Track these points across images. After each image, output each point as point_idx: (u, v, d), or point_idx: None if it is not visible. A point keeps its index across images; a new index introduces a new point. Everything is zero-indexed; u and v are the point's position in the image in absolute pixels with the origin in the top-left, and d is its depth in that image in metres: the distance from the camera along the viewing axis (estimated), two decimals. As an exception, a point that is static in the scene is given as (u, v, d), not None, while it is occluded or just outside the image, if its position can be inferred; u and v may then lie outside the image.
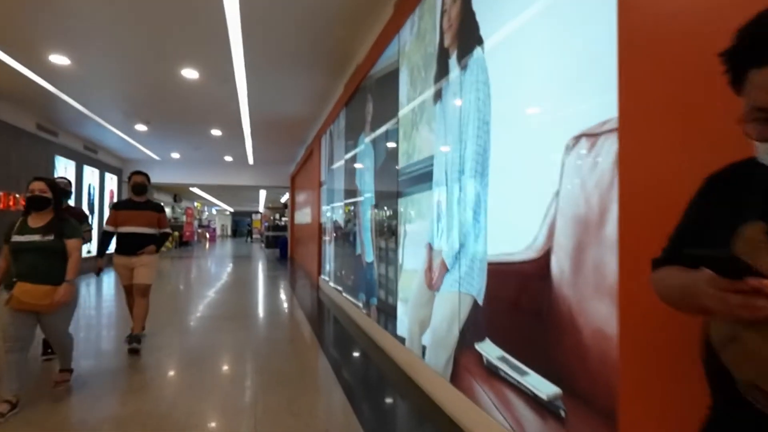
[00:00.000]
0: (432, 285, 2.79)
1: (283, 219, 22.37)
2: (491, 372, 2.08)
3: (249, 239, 32.44)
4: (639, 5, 1.31)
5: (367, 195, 4.63)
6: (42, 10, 3.95)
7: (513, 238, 1.94)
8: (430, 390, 2.79)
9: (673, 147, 1.20)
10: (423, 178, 2.99)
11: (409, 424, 2.66)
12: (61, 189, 3.56)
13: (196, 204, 28.18)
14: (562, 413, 1.61)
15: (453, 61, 2.57)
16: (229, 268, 12.19)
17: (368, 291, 4.51)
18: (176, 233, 20.02)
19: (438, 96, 2.77)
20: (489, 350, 2.11)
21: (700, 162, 1.13)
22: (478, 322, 2.24)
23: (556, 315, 1.65)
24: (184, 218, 23.34)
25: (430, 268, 2.84)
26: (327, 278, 7.32)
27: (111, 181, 11.72)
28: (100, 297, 6.86)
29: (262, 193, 22.11)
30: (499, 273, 2.05)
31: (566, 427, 1.59)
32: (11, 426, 2.35)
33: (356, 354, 3.95)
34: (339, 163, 6.33)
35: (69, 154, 9.17)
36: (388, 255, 3.81)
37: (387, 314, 3.81)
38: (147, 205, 3.88)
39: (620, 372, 1.34)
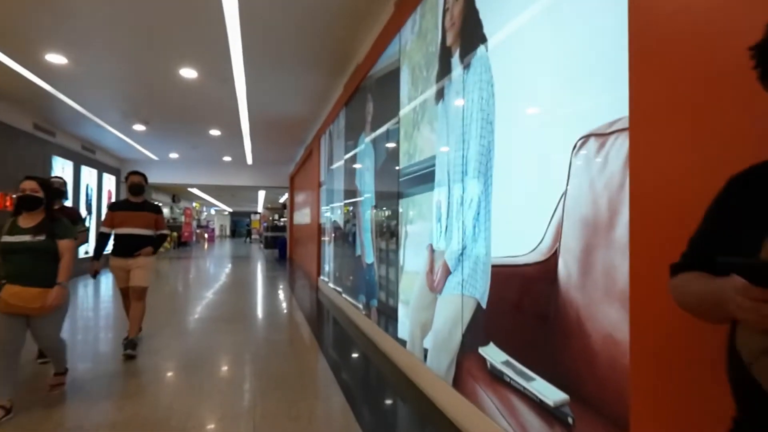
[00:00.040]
0: (434, 287, 2.75)
1: (282, 219, 22.31)
2: (495, 377, 2.04)
3: (248, 240, 32.37)
4: (649, 1, 1.27)
5: (367, 195, 4.59)
6: (38, 8, 3.90)
7: (518, 241, 1.90)
8: (432, 394, 2.75)
9: (686, 147, 1.16)
10: (424, 178, 2.95)
11: (411, 428, 2.62)
12: (53, 188, 3.53)
13: (194, 204, 28.11)
14: (570, 420, 1.56)
15: (455, 59, 2.52)
16: (228, 268, 12.13)
17: (368, 292, 4.46)
18: (174, 234, 19.96)
19: (440, 95, 2.73)
20: (493, 354, 2.07)
21: (715, 162, 1.09)
22: (482, 326, 2.19)
23: (563, 319, 1.61)
24: (182, 219, 23.27)
25: (431, 270, 2.80)
26: (326, 279, 7.28)
27: (109, 181, 11.65)
28: (97, 298, 6.80)
29: (261, 194, 22.05)
30: (504, 276, 2.01)
31: (574, 435, 1.55)
32: (5, 432, 2.31)
33: (356, 357, 3.90)
34: (338, 164, 6.28)
35: (66, 154, 9.10)
36: (389, 256, 3.77)
37: (388, 316, 3.76)
38: (144, 206, 3.81)
39: (632, 379, 1.30)
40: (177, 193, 21.45)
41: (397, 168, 3.52)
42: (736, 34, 1.07)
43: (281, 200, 21.84)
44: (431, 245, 2.82)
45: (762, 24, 0.72)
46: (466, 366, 2.34)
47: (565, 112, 1.64)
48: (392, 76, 3.69)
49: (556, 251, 1.66)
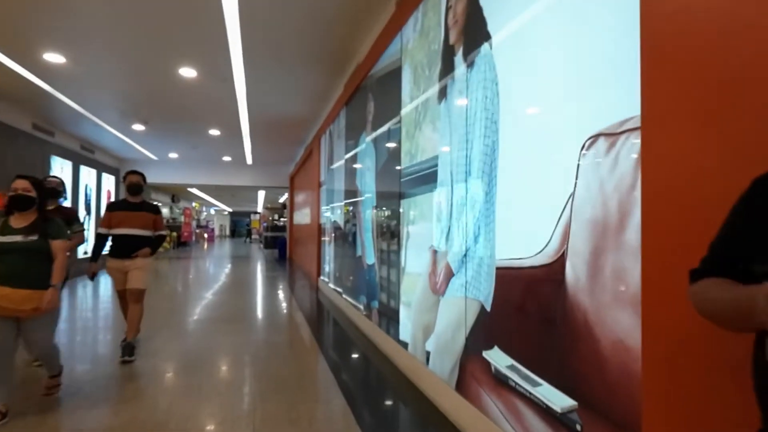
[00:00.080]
0: (436, 289, 2.71)
1: (282, 219, 22.27)
2: (500, 381, 2.00)
3: (248, 240, 32.34)
4: (663, -4, 1.23)
5: (368, 196, 4.55)
6: (36, 7, 3.85)
7: (523, 242, 1.86)
8: (434, 397, 2.71)
9: (701, 146, 1.12)
10: (426, 178, 2.91)
11: (413, 432, 2.58)
12: (47, 188, 3.47)
13: (194, 204, 28.07)
14: (578, 427, 1.52)
15: (459, 58, 2.48)
16: (228, 268, 12.10)
17: (369, 294, 4.42)
18: (174, 234, 19.92)
19: (443, 94, 2.69)
20: (497, 358, 2.03)
21: (732, 162, 1.05)
22: (486, 329, 2.15)
23: (570, 324, 1.57)
24: (182, 218, 23.23)
25: (434, 272, 2.76)
26: (326, 279, 7.24)
27: (108, 181, 11.60)
28: (96, 299, 6.76)
29: (261, 194, 22.01)
30: (509, 278, 1.97)
31: (582, 442, 1.51)
32: (0, 436, 2.27)
33: (357, 359, 3.87)
34: (339, 164, 6.25)
35: (65, 154, 9.06)
36: (390, 257, 3.73)
37: (389, 318, 3.72)
38: (142, 206, 3.74)
39: (644, 385, 1.26)
40: (176, 193, 21.40)
41: (398, 168, 3.48)
42: (753, 29, 1.04)
43: (281, 200, 21.80)
44: (433, 247, 2.78)
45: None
46: (470, 370, 2.30)
47: (573, 111, 1.60)
48: (394, 75, 3.65)
49: (563, 254, 1.62)
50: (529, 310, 1.83)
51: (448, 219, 2.57)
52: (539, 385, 1.72)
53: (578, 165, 1.55)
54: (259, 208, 29.97)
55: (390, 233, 3.75)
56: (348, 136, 5.62)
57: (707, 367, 1.12)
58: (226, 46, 4.65)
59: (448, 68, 2.62)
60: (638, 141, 1.30)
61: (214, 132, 9.00)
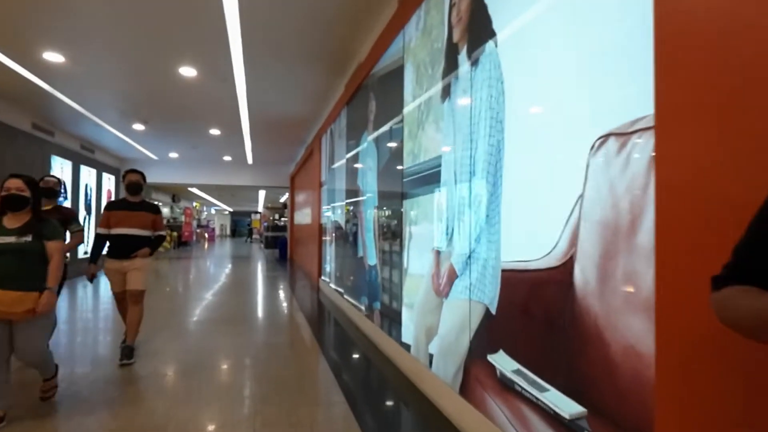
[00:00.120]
0: (440, 291, 2.67)
1: (283, 219, 22.24)
2: (505, 385, 1.96)
3: (249, 239, 32.33)
4: (678, -9, 1.19)
5: (370, 196, 4.51)
6: (35, 6, 3.82)
7: (530, 244, 1.82)
8: (438, 401, 2.67)
9: (717, 146, 1.08)
10: (429, 178, 2.87)
11: (416, 437, 2.55)
12: (44, 188, 3.42)
13: (194, 204, 28.04)
14: (587, 435, 1.48)
15: (463, 56, 2.44)
16: (228, 269, 12.06)
17: (371, 295, 4.38)
18: (175, 233, 19.89)
19: (446, 93, 2.65)
20: (503, 362, 1.99)
21: (750, 163, 1.01)
22: (491, 332, 2.11)
23: (580, 328, 1.53)
24: (182, 218, 23.20)
25: (437, 274, 2.72)
26: (327, 279, 7.20)
27: (108, 181, 11.58)
28: (96, 300, 6.72)
29: (262, 193, 21.98)
30: (515, 281, 1.93)
31: (591, 450, 1.47)
32: (-4, 441, 2.23)
33: (359, 361, 3.83)
34: (340, 163, 6.21)
35: (65, 153, 9.03)
36: (392, 258, 3.69)
37: (391, 319, 3.69)
38: (142, 205, 3.69)
39: (657, 392, 1.22)
40: (177, 193, 21.38)
41: (401, 168, 3.44)
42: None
43: (282, 200, 21.76)
44: (437, 248, 2.74)
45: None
46: (474, 373, 2.26)
47: (581, 110, 1.56)
48: (396, 74, 3.61)
49: (572, 256, 1.58)
50: (536, 313, 1.79)
51: (452, 220, 2.53)
52: (546, 390, 1.69)
53: (587, 165, 1.51)
54: (260, 208, 29.95)
55: (392, 234, 3.71)
56: (349, 136, 5.58)
57: (722, 373, 1.08)
58: (227, 46, 4.61)
59: (451, 67, 2.58)
60: (651, 141, 1.26)
61: (215, 132, 8.97)
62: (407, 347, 3.23)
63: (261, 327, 5.05)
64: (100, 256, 3.58)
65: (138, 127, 8.57)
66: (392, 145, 3.74)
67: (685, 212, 1.15)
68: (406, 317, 3.30)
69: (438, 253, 2.72)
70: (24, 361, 2.47)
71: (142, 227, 3.61)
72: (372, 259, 4.36)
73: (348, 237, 5.66)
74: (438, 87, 2.76)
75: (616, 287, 1.39)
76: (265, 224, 24.05)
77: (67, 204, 8.94)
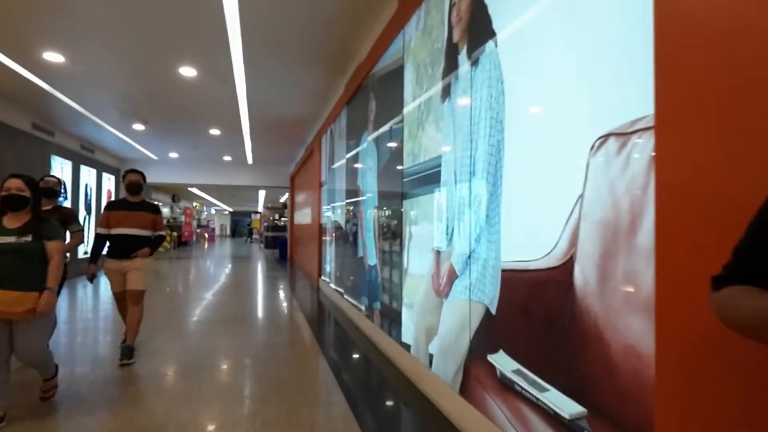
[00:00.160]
0: (440, 291, 2.67)
1: (283, 219, 22.24)
2: (505, 385, 1.96)
3: (249, 239, 32.36)
4: (678, -9, 1.19)
5: (370, 196, 4.51)
6: (35, 6, 3.82)
7: (530, 244, 1.82)
8: (438, 400, 2.67)
9: (718, 146, 1.08)
10: (429, 178, 2.87)
11: (416, 437, 2.55)
12: (44, 188, 3.41)
13: (194, 204, 28.05)
14: (587, 435, 1.48)
15: (463, 56, 2.44)
16: (228, 269, 12.06)
17: (371, 295, 4.38)
18: (175, 233, 19.89)
19: (446, 93, 2.65)
20: (503, 362, 1.99)
21: (750, 162, 1.01)
22: (491, 333, 2.11)
23: (579, 328, 1.53)
24: (182, 218, 23.20)
25: (437, 274, 2.72)
26: (327, 279, 7.20)
27: (108, 181, 11.58)
28: (96, 300, 6.72)
29: (262, 193, 21.98)
30: (515, 281, 1.93)
31: (591, 450, 1.47)
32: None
33: (359, 361, 3.83)
34: (340, 163, 6.21)
35: (65, 153, 9.03)
36: (392, 258, 3.69)
37: (391, 319, 3.69)
38: (142, 205, 3.68)
39: (657, 392, 1.22)
40: (177, 193, 21.38)
41: (401, 168, 3.44)
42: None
43: (282, 200, 21.76)
44: (437, 248, 2.74)
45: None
46: (474, 373, 2.26)
47: (581, 110, 1.56)
48: (396, 74, 3.61)
49: (572, 256, 1.58)
50: (536, 313, 1.79)
51: (452, 220, 2.53)
52: (546, 390, 1.69)
53: (587, 165, 1.51)
54: (260, 208, 29.95)
55: (392, 234, 3.71)
56: (349, 136, 5.58)
57: (722, 373, 1.08)
58: (227, 46, 4.61)
59: (451, 67, 2.58)
60: (651, 141, 1.26)
61: (215, 132, 8.97)
62: (407, 347, 3.24)
63: (261, 327, 5.05)
64: (100, 256, 3.58)
65: (138, 127, 8.57)
66: (392, 145, 3.75)
67: (685, 212, 1.15)
68: (406, 317, 3.30)
69: (438, 253, 2.72)
70: (24, 361, 2.46)
71: (142, 227, 3.60)
72: (372, 259, 4.36)
73: (348, 237, 5.66)
74: (438, 87, 2.76)
75: (616, 287, 1.39)
76: (265, 224, 24.05)
77: (67, 204, 8.94)
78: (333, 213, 6.93)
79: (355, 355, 3.95)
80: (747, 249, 0.76)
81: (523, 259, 1.86)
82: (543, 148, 1.76)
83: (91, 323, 5.12)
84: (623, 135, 1.37)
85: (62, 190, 8.73)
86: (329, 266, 7.13)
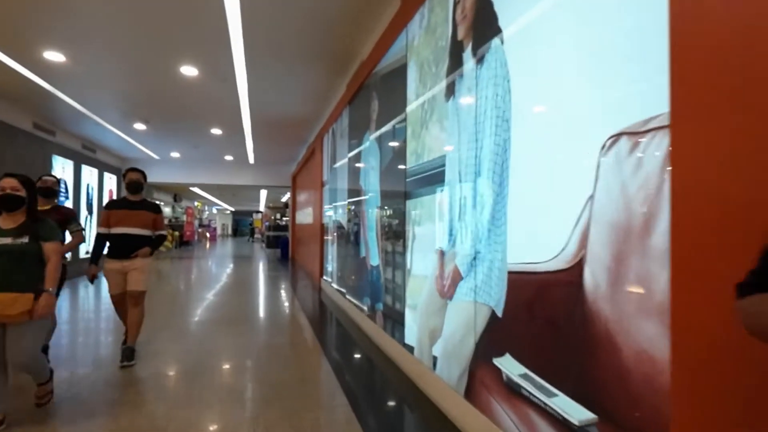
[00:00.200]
0: (444, 293, 2.63)
1: (284, 219, 22.21)
2: (512, 390, 1.92)
3: (251, 239, 32.39)
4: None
5: (372, 196, 4.47)
6: (35, 5, 3.79)
7: (537, 246, 1.78)
8: (442, 404, 2.63)
9: (736, 146, 1.04)
10: (433, 178, 2.83)
11: (420, 440, 2.51)
12: (43, 187, 3.36)
13: (196, 203, 28.05)
14: (598, 442, 1.45)
15: (467, 54, 2.40)
16: (230, 268, 12.04)
17: (373, 295, 4.35)
18: (176, 233, 19.89)
19: (450, 92, 2.61)
20: (509, 366, 1.95)
21: (773, 164, 0.97)
22: (497, 336, 2.08)
23: (589, 332, 1.49)
24: (184, 218, 23.20)
25: (441, 275, 2.68)
26: (329, 279, 7.17)
27: (110, 180, 11.57)
28: (98, 300, 6.70)
29: (263, 193, 21.96)
30: (522, 283, 1.89)
31: (602, 457, 1.44)
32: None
33: (362, 363, 3.79)
34: (342, 163, 6.17)
35: (67, 153, 9.01)
36: (395, 259, 3.65)
37: (394, 321, 3.65)
38: (143, 204, 3.63)
39: (672, 399, 1.18)
40: (179, 193, 21.37)
41: (404, 167, 3.40)
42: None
43: (283, 199, 21.74)
44: (441, 249, 2.70)
45: None
46: (480, 377, 2.22)
47: (592, 108, 1.52)
48: (398, 73, 3.57)
49: (581, 258, 1.54)
50: (544, 317, 1.75)
51: (457, 220, 2.49)
52: (555, 395, 1.65)
53: (598, 165, 1.47)
54: (262, 208, 29.95)
55: (395, 234, 3.67)
56: (351, 135, 5.55)
57: (742, 380, 1.04)
58: (228, 45, 4.58)
59: (456, 65, 2.54)
60: (665, 140, 1.22)
61: (216, 131, 8.94)
62: (410, 349, 3.20)
63: (262, 327, 5.02)
64: (101, 256, 3.53)
65: (139, 126, 8.55)
66: (395, 144, 3.71)
67: (702, 214, 1.11)
68: (410, 319, 3.26)
69: (442, 253, 2.69)
70: (15, 364, 2.33)
71: (143, 226, 3.56)
72: (374, 259, 4.33)
73: (350, 237, 5.63)
74: (442, 85, 2.72)
75: (628, 290, 1.35)
76: (267, 224, 24.03)
77: (69, 204, 8.93)
78: (335, 213, 6.90)
79: (358, 358, 3.91)
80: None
81: (531, 261, 1.82)
82: (551, 148, 1.72)
83: (92, 324, 5.09)
84: (636, 134, 1.33)
85: (63, 190, 8.72)
86: (331, 266, 7.10)
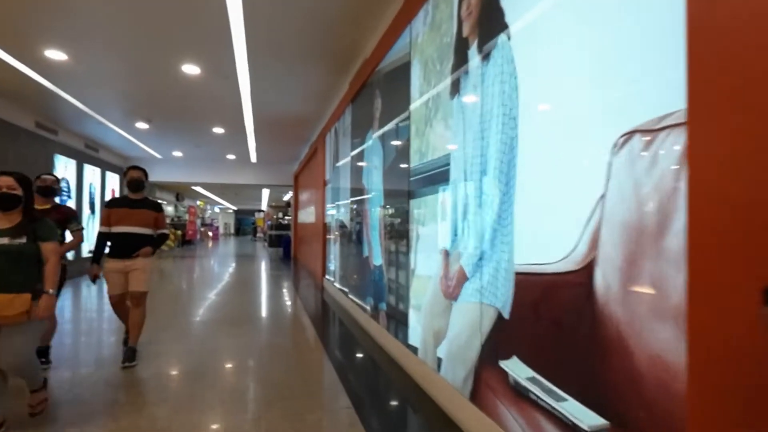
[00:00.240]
0: (449, 293, 2.60)
1: (287, 218, 22.20)
2: (519, 393, 1.88)
3: (254, 238, 32.44)
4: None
5: (375, 195, 4.43)
6: (36, 4, 3.76)
7: (546, 247, 1.74)
8: (447, 406, 2.60)
9: (759, 144, 1.00)
10: (438, 177, 2.79)
11: (425, 443, 2.48)
12: (42, 186, 3.33)
13: (198, 202, 28.07)
14: (609, 448, 1.41)
15: (473, 51, 2.36)
16: (232, 268, 12.03)
17: (376, 295, 4.31)
18: (179, 232, 19.90)
19: (455, 90, 2.56)
20: (516, 369, 1.91)
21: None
22: (504, 338, 2.04)
23: (601, 336, 1.45)
24: (186, 217, 23.23)
25: (446, 275, 2.64)
26: (332, 279, 7.14)
27: (112, 179, 11.57)
28: (100, 299, 6.69)
29: (265, 192, 21.95)
30: (529, 285, 1.85)
31: (613, 464, 1.40)
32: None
33: (365, 364, 3.76)
34: (344, 162, 6.13)
35: (69, 152, 9.01)
36: (399, 258, 3.61)
37: (397, 321, 3.61)
38: (144, 203, 3.58)
39: (689, 408, 1.14)
40: (181, 192, 21.39)
41: (407, 166, 3.36)
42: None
43: (285, 198, 21.72)
44: (446, 249, 2.66)
45: None
46: (485, 379, 2.18)
47: (604, 105, 1.48)
48: (402, 71, 3.53)
49: (592, 260, 1.50)
50: (553, 319, 1.71)
51: (462, 220, 2.45)
52: (564, 400, 1.61)
53: (610, 164, 1.43)
54: (264, 207, 29.95)
55: (398, 234, 3.64)
56: (354, 134, 5.51)
57: (765, 388, 1.00)
58: (230, 42, 4.54)
59: (461, 62, 2.50)
60: (682, 138, 1.18)
61: (218, 130, 8.92)
62: (414, 350, 3.16)
63: (265, 327, 4.99)
64: (102, 255, 3.49)
65: (141, 125, 8.53)
66: (398, 143, 3.67)
67: (721, 214, 1.07)
68: (413, 319, 3.23)
69: (447, 254, 2.65)
70: (7, 363, 2.24)
71: (144, 225, 3.52)
72: (377, 259, 4.29)
73: (353, 236, 5.60)
74: (447, 83, 2.68)
75: (642, 293, 1.31)
76: (269, 223, 24.03)
77: (72, 203, 8.92)
78: (337, 212, 6.86)
79: (361, 358, 3.88)
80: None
81: (539, 261, 1.78)
82: (560, 146, 1.68)
83: (94, 324, 5.08)
84: (650, 132, 1.29)
85: (66, 189, 8.72)
86: (333, 265, 7.07)
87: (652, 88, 1.29)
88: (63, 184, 8.65)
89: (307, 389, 3.03)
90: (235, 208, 39.24)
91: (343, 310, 5.72)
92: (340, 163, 6.52)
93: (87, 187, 9.92)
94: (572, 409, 1.57)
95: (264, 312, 5.93)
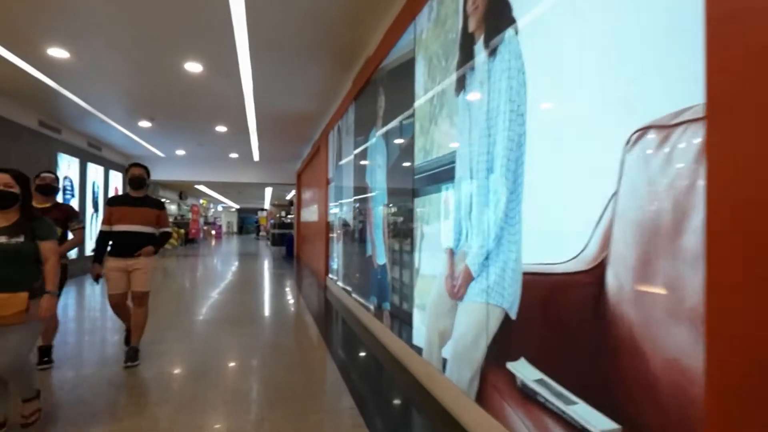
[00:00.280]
0: (454, 293, 2.56)
1: (289, 216, 22.20)
2: (527, 396, 1.84)
3: (257, 236, 32.50)
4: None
5: (379, 194, 4.40)
6: (37, 3, 3.74)
7: (555, 246, 1.70)
8: (453, 408, 2.56)
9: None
10: (443, 175, 2.75)
11: (430, 445, 2.44)
12: (42, 184, 3.30)
13: (201, 201, 28.11)
14: (621, 454, 1.37)
15: (479, 47, 2.32)
16: (235, 266, 12.02)
17: (380, 295, 4.28)
18: (182, 230, 19.92)
19: (461, 87, 2.52)
20: (524, 371, 1.87)
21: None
22: (511, 339, 2.00)
23: (613, 338, 1.41)
24: (189, 215, 23.26)
25: (451, 275, 2.60)
26: (335, 278, 7.11)
27: (116, 178, 11.58)
28: (103, 298, 6.69)
29: (268, 191, 21.95)
30: (537, 285, 1.81)
31: (626, 470, 1.36)
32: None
33: (369, 364, 3.72)
34: (347, 160, 6.10)
35: (72, 151, 9.01)
36: (403, 258, 3.58)
37: (402, 321, 3.58)
38: (145, 201, 3.53)
39: (707, 414, 1.10)
40: (184, 190, 21.41)
41: (412, 164, 3.32)
42: None
43: (288, 197, 21.72)
44: (451, 248, 2.62)
45: None
46: (492, 381, 2.14)
47: (617, 100, 1.43)
48: (406, 68, 3.49)
49: (603, 259, 1.46)
50: (562, 320, 1.66)
51: (467, 218, 2.41)
52: (574, 403, 1.57)
53: (623, 161, 1.39)
54: (267, 205, 29.97)
55: (402, 232, 3.60)
56: (357, 132, 5.47)
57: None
58: (232, 40, 4.51)
59: (466, 58, 2.45)
60: (700, 134, 1.13)
61: (221, 128, 8.90)
62: (418, 350, 3.13)
63: (268, 326, 4.97)
64: (104, 254, 3.46)
65: (144, 124, 8.52)
66: (402, 141, 3.63)
67: (741, 213, 1.03)
68: (418, 319, 3.19)
69: (452, 253, 2.61)
70: (1, 364, 2.15)
71: (146, 224, 3.48)
72: (381, 258, 4.25)
73: (356, 235, 5.56)
74: (452, 80, 2.64)
75: (656, 293, 1.27)
76: (272, 221, 24.03)
77: (75, 202, 8.93)
78: (340, 210, 6.83)
79: (365, 359, 3.85)
80: None
81: (548, 261, 1.74)
82: (570, 143, 1.64)
83: (97, 323, 5.06)
84: (665, 128, 1.24)
85: (69, 187, 8.72)
86: (336, 264, 7.04)
87: (668, 82, 1.24)
88: (66, 183, 8.66)
89: (310, 389, 3.00)
90: (238, 207, 39.30)
91: (346, 310, 5.69)
92: (343, 162, 6.49)
93: (90, 185, 9.92)
94: (583, 412, 1.53)
95: (267, 311, 5.91)
